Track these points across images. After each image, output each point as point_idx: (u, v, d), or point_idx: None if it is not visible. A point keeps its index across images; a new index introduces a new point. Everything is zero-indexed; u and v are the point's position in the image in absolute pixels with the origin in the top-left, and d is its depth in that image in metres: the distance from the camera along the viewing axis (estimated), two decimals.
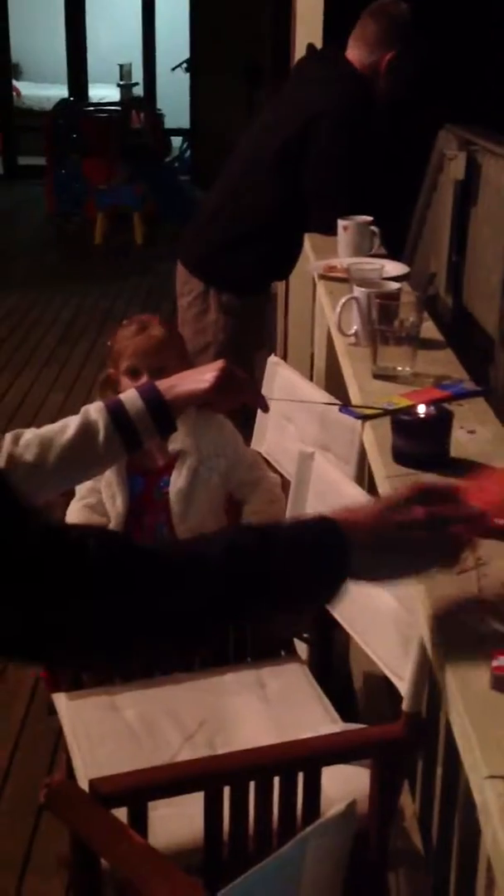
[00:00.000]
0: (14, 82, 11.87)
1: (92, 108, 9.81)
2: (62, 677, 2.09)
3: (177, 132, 10.66)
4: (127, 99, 10.71)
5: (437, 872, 1.86)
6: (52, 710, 2.10)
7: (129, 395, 1.45)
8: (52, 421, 1.48)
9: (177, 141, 10.64)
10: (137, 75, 11.41)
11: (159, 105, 10.74)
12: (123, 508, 2.28)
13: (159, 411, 1.44)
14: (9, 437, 1.42)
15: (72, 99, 10.49)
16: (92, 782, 1.51)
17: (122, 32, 11.77)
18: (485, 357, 3.18)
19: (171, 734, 1.94)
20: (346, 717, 1.99)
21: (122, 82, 11.26)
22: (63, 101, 9.81)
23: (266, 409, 1.72)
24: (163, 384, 1.48)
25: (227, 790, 1.57)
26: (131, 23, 11.38)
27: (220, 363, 1.51)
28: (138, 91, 11.23)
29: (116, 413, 1.43)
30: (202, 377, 1.47)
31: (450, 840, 1.77)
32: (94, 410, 1.45)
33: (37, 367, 5.59)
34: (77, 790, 1.51)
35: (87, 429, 1.42)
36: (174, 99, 10.88)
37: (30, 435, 1.42)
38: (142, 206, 8.44)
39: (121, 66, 11.29)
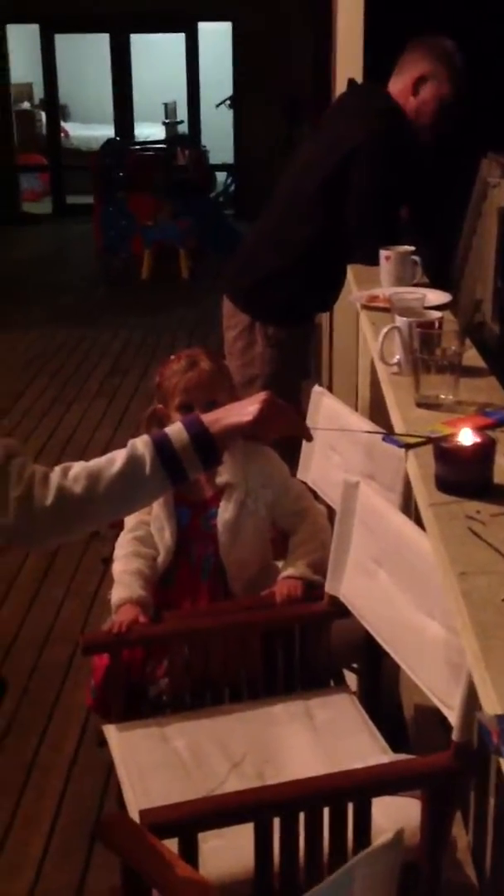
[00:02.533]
0: (62, 123, 12.14)
1: (138, 147, 10.00)
2: (113, 708, 2.11)
3: (221, 167, 10.81)
4: (172, 136, 10.90)
5: None
6: (102, 741, 2.11)
7: (175, 429, 1.48)
8: (100, 456, 1.51)
9: (221, 176, 10.78)
10: (182, 113, 11.61)
11: (204, 141, 10.91)
12: (172, 541, 2.31)
13: (205, 444, 1.46)
14: (58, 469, 1.45)
15: (118, 138, 10.70)
16: (142, 813, 1.52)
17: (166, 71, 11.98)
18: None
19: (220, 764, 1.95)
20: (397, 748, 1.98)
21: (166, 120, 11.46)
22: (109, 141, 10.01)
23: (310, 438, 1.73)
24: (208, 417, 1.50)
25: (276, 821, 1.58)
26: (176, 62, 11.59)
27: (263, 395, 1.54)
28: (183, 128, 11.42)
29: (162, 446, 1.46)
30: (246, 409, 1.50)
31: (503, 871, 1.75)
32: (141, 444, 1.47)
33: (86, 401, 5.67)
34: (128, 821, 1.52)
35: (134, 462, 1.45)
36: (218, 135, 11.04)
37: (78, 468, 1.45)
38: (187, 240, 8.56)
39: (165, 105, 11.50)
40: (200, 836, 1.57)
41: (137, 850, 1.45)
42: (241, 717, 2.09)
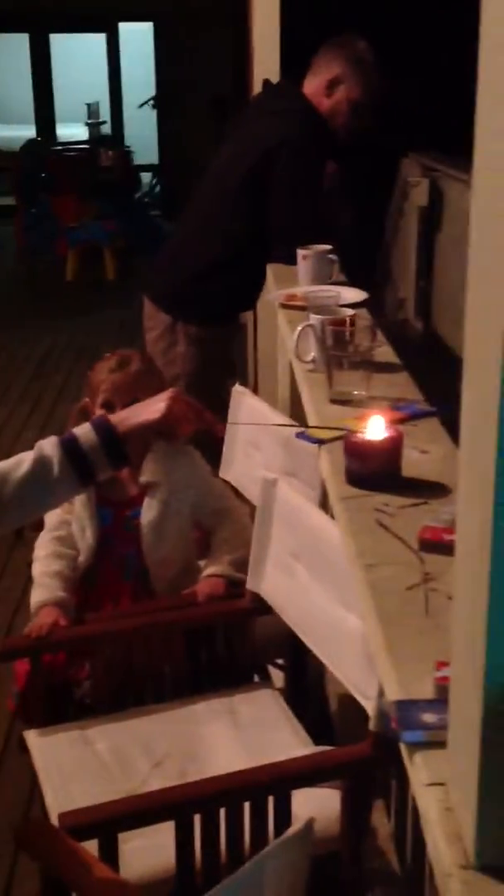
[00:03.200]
0: None
1: (60, 148, 9.90)
2: (34, 713, 2.09)
3: (146, 167, 10.77)
4: (95, 137, 10.82)
5: (413, 891, 1.86)
6: (24, 748, 2.09)
7: (83, 429, 1.48)
8: None
9: (146, 176, 10.74)
10: (105, 114, 11.53)
11: (128, 142, 10.85)
12: (94, 540, 2.30)
13: (112, 444, 1.46)
14: None
15: (39, 139, 10.59)
16: (61, 816, 1.51)
17: (88, 72, 11.90)
18: (454, 378, 3.22)
19: (142, 765, 1.95)
20: (323, 742, 2.00)
21: (89, 121, 11.38)
22: (31, 141, 9.89)
23: (220, 434, 1.73)
24: (116, 417, 1.50)
25: (197, 818, 1.58)
26: (97, 62, 11.52)
27: (170, 391, 1.54)
28: (106, 129, 11.35)
29: (70, 447, 1.46)
30: (154, 407, 1.51)
31: (424, 858, 1.78)
32: (49, 445, 1.47)
33: (10, 404, 5.60)
34: (47, 825, 1.51)
35: (41, 463, 1.45)
36: (142, 135, 11.00)
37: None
38: (113, 241, 8.51)
39: (88, 105, 11.41)
40: (121, 836, 1.57)
41: (56, 855, 1.44)
42: (164, 716, 2.09)
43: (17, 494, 1.43)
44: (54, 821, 1.70)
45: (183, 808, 1.57)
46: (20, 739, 2.10)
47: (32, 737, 2.02)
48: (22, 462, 1.45)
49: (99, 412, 2.25)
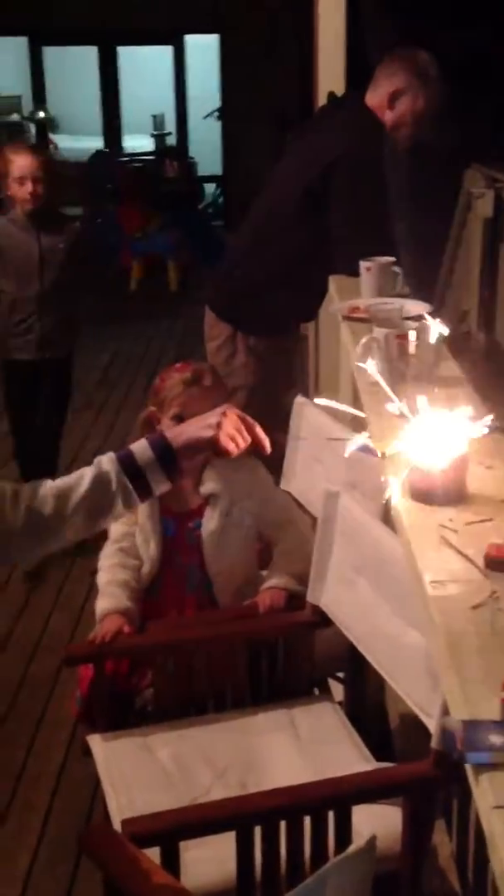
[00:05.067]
0: (51, 135, 12.16)
1: (126, 159, 10.02)
2: (97, 719, 2.12)
3: (210, 179, 10.84)
4: (160, 148, 10.93)
5: None
6: (87, 752, 2.12)
7: (140, 445, 1.51)
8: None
9: (210, 187, 10.81)
10: (170, 125, 11.64)
11: (192, 153, 10.94)
12: (156, 552, 2.32)
13: (167, 460, 1.50)
14: (27, 488, 1.47)
15: (106, 150, 10.73)
16: (124, 822, 1.53)
17: (155, 84, 12.03)
18: None
19: (203, 774, 1.96)
20: (383, 758, 1.99)
21: (155, 132, 11.50)
22: (98, 153, 10.02)
23: (266, 451, 1.71)
24: (171, 432, 1.53)
25: (258, 830, 1.59)
26: (164, 74, 11.64)
27: (224, 408, 1.56)
28: (172, 140, 11.45)
29: (127, 463, 1.49)
30: (207, 423, 1.53)
31: (486, 878, 1.76)
32: (107, 461, 1.50)
33: (74, 412, 5.66)
34: (110, 831, 1.53)
35: (100, 479, 1.48)
36: (207, 147, 11.08)
37: (47, 487, 1.48)
38: (176, 252, 8.58)
39: (154, 117, 11.53)
40: (182, 845, 1.58)
41: (119, 861, 1.46)
42: (224, 726, 2.10)
43: (78, 509, 1.47)
44: (116, 826, 1.73)
45: (244, 820, 1.58)
46: (84, 744, 2.12)
47: (96, 742, 2.05)
48: (83, 477, 1.49)
49: (168, 424, 2.28)
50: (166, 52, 11.47)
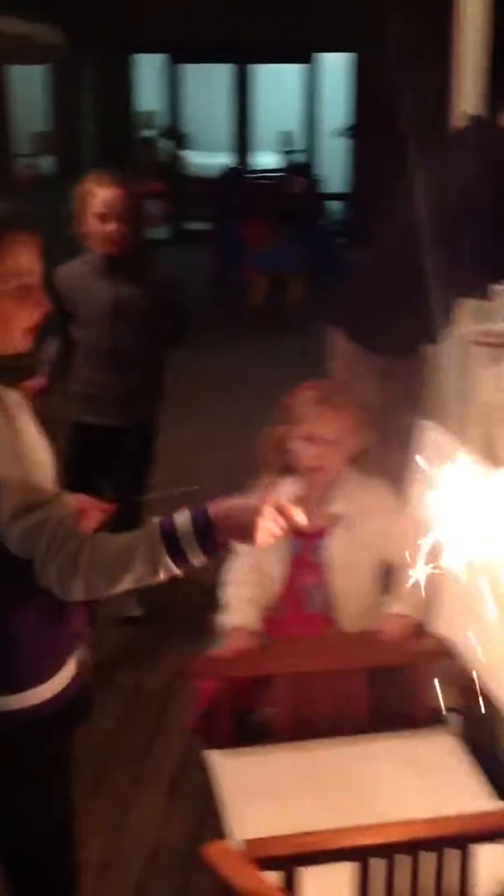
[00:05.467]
0: (182, 151, 12.40)
1: (254, 175, 10.13)
2: (218, 734, 2.14)
3: (337, 196, 10.86)
4: (288, 165, 11.01)
5: None
6: (203, 766, 2.14)
7: (183, 517, 1.54)
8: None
9: (336, 205, 10.83)
10: (300, 142, 11.72)
11: (321, 170, 10.98)
12: (282, 569, 2.33)
13: (206, 536, 1.54)
14: (87, 549, 1.51)
15: (236, 166, 10.87)
16: (248, 843, 1.53)
17: (286, 101, 12.13)
18: None
19: (320, 798, 1.95)
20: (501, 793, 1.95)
21: (284, 149, 11.60)
22: (228, 169, 10.16)
23: (302, 528, 1.68)
24: (218, 509, 1.55)
25: (378, 862, 1.57)
26: (296, 91, 11.73)
27: (264, 494, 1.63)
28: (300, 158, 11.53)
29: (168, 533, 1.53)
30: (249, 506, 1.56)
31: None
32: (153, 534, 1.53)
33: (194, 426, 5.75)
34: (233, 850, 1.53)
35: (150, 560, 1.52)
36: (336, 164, 11.10)
37: (102, 556, 1.52)
38: (298, 268, 8.61)
39: (283, 134, 11.63)
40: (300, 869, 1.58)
41: (241, 880, 1.47)
42: (343, 752, 2.09)
43: (125, 578, 1.53)
44: (232, 841, 1.73)
45: (364, 852, 1.57)
46: (199, 757, 2.14)
47: (214, 757, 2.06)
48: (133, 560, 1.53)
49: (299, 443, 2.29)
50: (299, 69, 11.55)
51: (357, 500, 2.33)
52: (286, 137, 11.66)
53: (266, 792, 1.97)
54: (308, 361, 6.92)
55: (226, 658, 2.13)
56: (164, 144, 12.62)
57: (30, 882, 1.84)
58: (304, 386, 2.37)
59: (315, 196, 9.92)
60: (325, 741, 2.12)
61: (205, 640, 2.51)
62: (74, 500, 1.69)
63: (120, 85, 11.39)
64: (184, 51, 11.30)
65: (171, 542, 1.52)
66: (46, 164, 10.24)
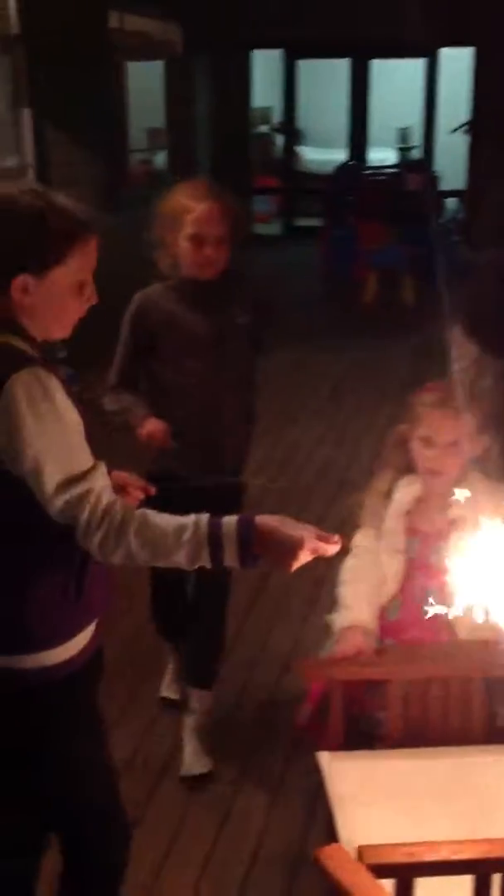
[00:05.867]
0: (297, 147, 12.39)
1: (370, 172, 10.04)
2: (330, 737, 2.12)
3: (453, 193, 10.69)
4: (404, 161, 10.89)
5: None
6: (310, 768, 2.12)
7: (229, 523, 1.58)
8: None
9: (453, 202, 10.66)
10: (417, 138, 11.58)
11: (437, 167, 10.83)
12: (399, 569, 2.30)
13: (247, 547, 1.58)
14: (135, 525, 1.57)
15: (351, 163, 10.79)
16: (363, 850, 1.51)
17: (404, 96, 11.99)
18: None
19: (432, 810, 1.92)
20: None
21: (400, 145, 11.47)
22: (344, 165, 10.10)
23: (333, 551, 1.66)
24: (265, 524, 1.58)
25: (497, 877, 1.53)
26: (414, 86, 11.58)
27: (309, 530, 1.60)
28: (416, 154, 11.39)
29: (213, 530, 1.58)
30: (295, 534, 1.58)
31: None
32: (202, 527, 1.58)
33: (304, 422, 5.74)
34: (347, 856, 1.51)
35: (192, 548, 1.57)
36: (452, 161, 10.93)
37: (147, 534, 1.57)
38: (413, 266, 8.51)
39: (400, 130, 11.51)
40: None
41: (356, 887, 1.44)
42: (457, 763, 2.05)
43: (163, 559, 1.59)
44: (343, 844, 1.72)
45: (483, 865, 1.53)
46: (310, 759, 2.13)
47: (325, 759, 2.05)
48: (180, 546, 1.58)
49: (417, 443, 2.27)
50: (418, 64, 11.40)
51: (479, 502, 2.27)
52: (403, 133, 11.53)
53: (379, 797, 1.94)
54: (419, 361, 6.84)
55: (339, 660, 2.11)
56: (279, 140, 12.64)
57: (81, 852, 1.90)
58: (426, 387, 2.35)
59: (432, 194, 9.78)
60: (440, 750, 2.08)
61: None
62: (115, 476, 1.77)
63: (236, 81, 11.43)
64: (300, 46, 11.25)
65: (214, 539, 1.57)
66: (160, 159, 10.35)
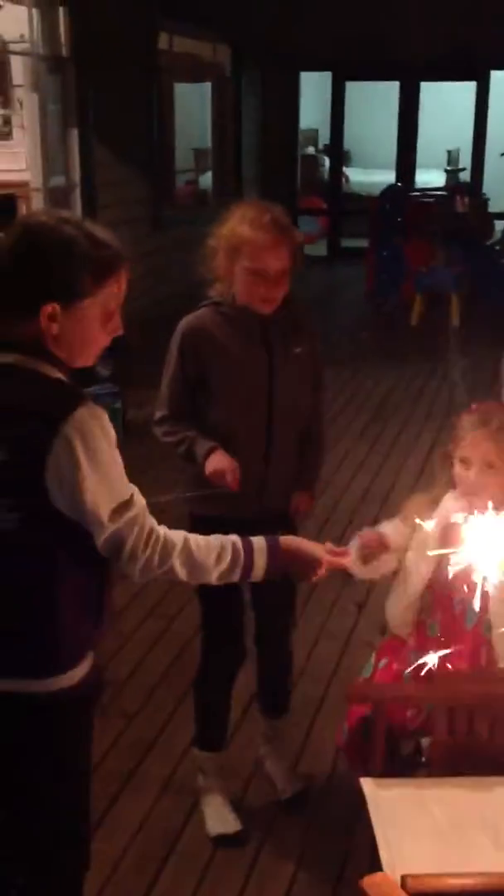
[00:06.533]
0: (343, 169, 12.41)
1: (418, 193, 10.02)
2: (370, 761, 2.08)
3: (502, 216, 10.63)
4: (452, 184, 10.85)
5: None
6: (351, 792, 2.08)
7: (259, 543, 1.79)
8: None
9: (502, 224, 10.60)
10: (465, 160, 11.53)
11: (486, 190, 10.77)
12: (428, 568, 2.25)
13: (274, 567, 1.80)
14: (178, 554, 1.69)
15: (399, 184, 10.77)
16: (407, 879, 1.48)
17: (453, 118, 11.96)
18: None
19: (479, 839, 1.86)
20: None
21: (448, 167, 11.44)
22: (390, 186, 10.08)
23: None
24: (286, 541, 1.82)
25: None
26: (463, 109, 11.55)
27: (325, 554, 1.87)
28: (465, 176, 11.34)
29: (246, 566, 1.77)
30: (314, 556, 1.85)
31: None
32: (237, 554, 1.76)
33: (349, 443, 5.69)
34: (392, 884, 1.48)
35: (228, 566, 1.75)
36: (501, 184, 10.87)
37: (190, 559, 1.71)
38: (460, 288, 8.46)
39: (449, 152, 11.48)
40: None
41: None
42: (502, 790, 1.99)
43: (199, 580, 1.75)
44: (388, 873, 1.68)
45: None
46: (354, 786, 2.08)
47: (369, 786, 2.00)
48: (220, 562, 1.75)
49: (457, 465, 2.23)
50: (468, 86, 11.38)
51: None
52: (451, 155, 11.49)
53: (424, 828, 1.90)
54: (466, 383, 6.78)
55: (385, 684, 2.07)
56: (326, 162, 12.66)
57: (37, 873, 1.83)
58: (469, 408, 2.31)
59: (481, 216, 9.73)
60: (485, 780, 2.02)
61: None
62: None
63: (284, 102, 11.49)
64: (349, 68, 11.27)
65: (247, 558, 1.76)
66: (206, 180, 10.41)
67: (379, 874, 1.54)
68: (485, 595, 2.06)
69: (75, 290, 1.59)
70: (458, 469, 2.25)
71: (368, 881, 1.47)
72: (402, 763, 2.20)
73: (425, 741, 2.15)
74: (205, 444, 2.37)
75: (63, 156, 7.01)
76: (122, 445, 1.66)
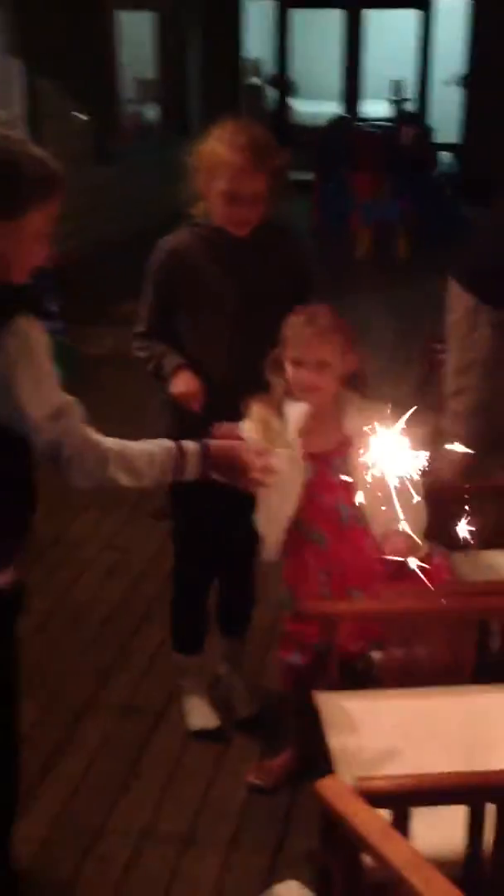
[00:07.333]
0: (288, 99, 12.23)
1: (362, 124, 9.94)
2: (324, 676, 2.15)
3: (447, 147, 10.60)
4: (397, 114, 10.78)
5: None
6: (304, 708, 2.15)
7: (192, 447, 1.90)
8: None
9: (447, 156, 10.57)
10: (412, 91, 11.44)
11: (431, 121, 10.71)
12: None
13: (204, 467, 1.91)
14: (114, 457, 1.78)
15: (344, 115, 10.67)
16: (360, 780, 1.55)
17: (397, 48, 11.82)
18: None
19: (428, 747, 1.96)
20: None
21: (393, 98, 11.34)
22: (336, 118, 9.98)
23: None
24: (216, 450, 1.92)
25: (491, 807, 1.57)
26: (408, 38, 11.42)
27: (258, 470, 1.94)
28: (410, 107, 11.26)
29: (178, 468, 1.88)
30: (238, 468, 1.94)
31: None
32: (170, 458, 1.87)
33: None
34: (344, 787, 1.55)
35: (162, 469, 1.85)
36: (446, 115, 10.82)
37: (127, 464, 1.80)
38: (406, 220, 8.46)
39: (393, 82, 11.36)
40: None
41: (353, 817, 1.48)
42: (450, 702, 2.09)
43: (137, 482, 1.84)
44: (340, 774, 1.76)
45: (478, 795, 1.57)
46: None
47: (322, 698, 2.09)
48: (152, 465, 1.84)
49: (289, 367, 2.27)
50: (412, 15, 11.23)
51: (360, 420, 2.22)
52: (397, 85, 11.38)
53: (376, 733, 1.99)
54: (410, 315, 6.82)
55: (337, 601, 2.14)
56: (271, 92, 12.47)
57: None
58: (297, 309, 2.30)
59: (427, 147, 9.69)
60: (432, 690, 2.11)
61: None
62: None
63: (227, 31, 11.25)
64: None
65: (179, 461, 1.87)
66: (152, 112, 10.22)
67: (331, 777, 1.61)
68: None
69: (17, 207, 1.64)
70: (290, 371, 2.28)
71: (321, 784, 1.54)
72: (356, 679, 2.27)
73: (377, 655, 2.22)
74: (172, 361, 2.41)
75: (6, 88, 6.83)
76: (77, 383, 1.72)
